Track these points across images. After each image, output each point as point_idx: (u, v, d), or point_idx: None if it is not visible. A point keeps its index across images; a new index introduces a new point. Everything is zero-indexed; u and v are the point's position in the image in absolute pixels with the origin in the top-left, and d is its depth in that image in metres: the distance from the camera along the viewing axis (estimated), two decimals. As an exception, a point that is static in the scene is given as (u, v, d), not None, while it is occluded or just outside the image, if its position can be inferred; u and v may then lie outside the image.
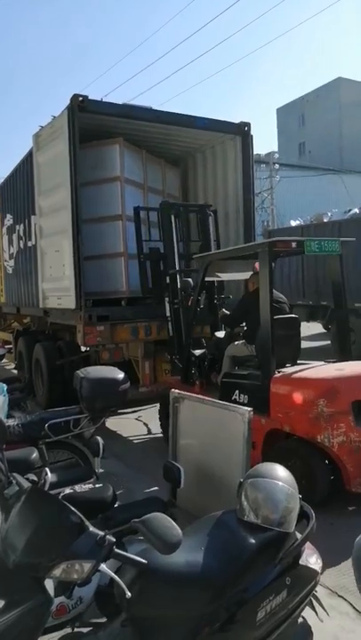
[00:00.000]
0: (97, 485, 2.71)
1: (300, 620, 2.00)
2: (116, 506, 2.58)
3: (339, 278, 4.62)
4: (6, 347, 10.31)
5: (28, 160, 7.14)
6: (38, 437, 3.32)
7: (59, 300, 6.26)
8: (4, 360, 10.61)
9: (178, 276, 5.69)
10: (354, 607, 2.69)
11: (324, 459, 3.78)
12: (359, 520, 3.58)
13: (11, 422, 3.47)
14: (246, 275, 5.20)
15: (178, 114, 6.46)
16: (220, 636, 1.64)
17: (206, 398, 3.49)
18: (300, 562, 1.91)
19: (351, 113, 40.46)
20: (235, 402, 4.08)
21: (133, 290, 6.41)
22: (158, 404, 5.63)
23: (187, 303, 5.60)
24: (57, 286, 6.30)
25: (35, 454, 2.94)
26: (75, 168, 5.56)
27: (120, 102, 6.40)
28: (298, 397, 3.82)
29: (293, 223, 13.60)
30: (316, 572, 1.98)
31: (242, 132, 6.79)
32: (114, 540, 1.49)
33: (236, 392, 4.36)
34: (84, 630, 1.91)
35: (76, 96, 5.50)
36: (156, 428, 6.01)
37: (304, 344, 4.98)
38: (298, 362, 4.48)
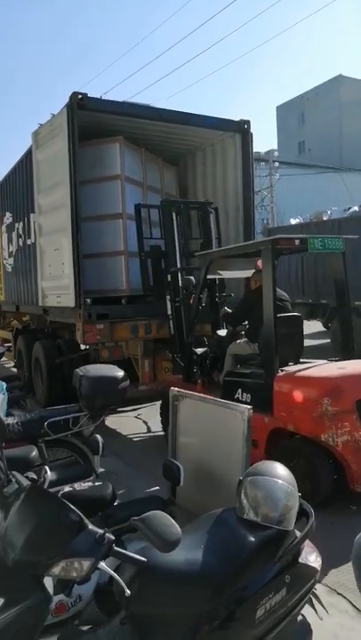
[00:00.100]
0: (96, 483, 2.71)
1: (299, 617, 2.00)
2: (115, 504, 2.58)
3: (342, 276, 4.57)
4: (5, 345, 10.30)
5: (27, 158, 7.13)
6: (38, 435, 3.32)
7: (58, 299, 6.26)
8: (3, 358, 10.59)
9: (179, 274, 5.67)
10: (353, 605, 2.69)
11: (327, 458, 3.76)
12: (352, 518, 3.58)
13: (10, 420, 3.46)
14: (248, 273, 5.18)
15: (178, 111, 6.44)
16: (219, 634, 1.64)
17: (206, 396, 3.48)
18: (300, 560, 1.91)
19: (351, 111, 40.40)
20: (237, 400, 4.06)
21: (134, 288, 6.41)
22: (159, 402, 5.63)
23: (188, 301, 5.58)
24: (56, 284, 6.29)
25: (34, 452, 2.94)
26: (74, 166, 5.55)
27: (119, 100, 6.40)
28: (302, 396, 3.80)
29: (293, 221, 13.59)
30: (316, 570, 1.98)
31: (241, 129, 6.78)
32: (113, 537, 1.48)
33: (239, 391, 4.34)
34: (84, 628, 1.91)
35: (75, 94, 5.49)
36: (156, 427, 6.01)
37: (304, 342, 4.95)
38: (300, 360, 4.46)
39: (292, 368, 4.18)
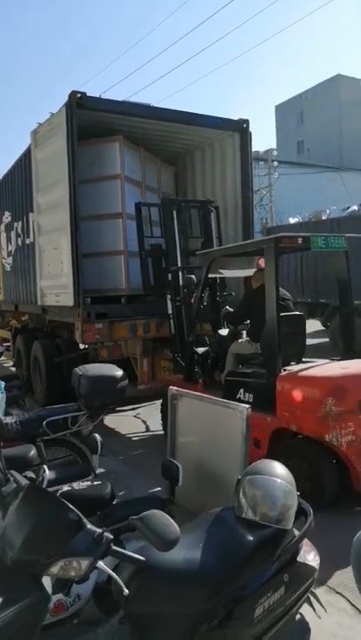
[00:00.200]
0: (95, 483, 2.71)
1: (297, 616, 2.00)
2: (114, 503, 2.58)
3: (344, 275, 4.53)
4: (4, 344, 10.28)
5: (26, 157, 7.12)
6: (36, 435, 3.32)
7: (57, 298, 6.25)
8: (2, 358, 10.59)
9: (180, 273, 5.66)
10: (352, 604, 2.69)
11: (331, 458, 3.71)
12: (355, 518, 3.57)
13: (9, 420, 3.46)
14: (250, 272, 5.16)
15: (177, 111, 6.44)
16: (217, 633, 1.64)
17: (204, 395, 3.48)
18: (298, 559, 1.91)
19: (351, 111, 40.42)
20: (239, 400, 4.02)
21: (134, 287, 6.40)
22: (160, 401, 5.60)
23: (189, 300, 5.54)
24: (55, 284, 6.29)
25: (33, 452, 2.93)
26: (73, 165, 5.54)
27: (118, 100, 6.38)
28: (305, 396, 3.76)
29: (292, 220, 13.60)
30: (314, 569, 1.98)
31: (240, 129, 6.77)
32: (112, 537, 1.48)
33: (241, 390, 4.31)
34: (82, 628, 1.91)
35: (74, 92, 5.48)
36: (155, 426, 6.01)
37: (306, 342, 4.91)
38: (302, 360, 4.42)
39: (294, 367, 4.14)
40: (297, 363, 4.32)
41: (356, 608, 2.66)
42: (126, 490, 4.01)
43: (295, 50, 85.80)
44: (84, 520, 1.50)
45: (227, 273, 5.72)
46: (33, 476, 2.52)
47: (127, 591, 1.44)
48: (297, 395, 3.81)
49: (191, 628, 1.61)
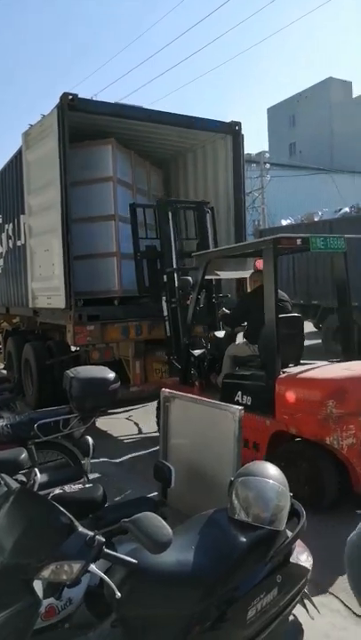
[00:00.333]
0: (87, 485, 2.70)
1: (290, 617, 2.00)
2: (106, 506, 2.57)
3: (343, 276, 4.51)
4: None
5: (17, 159, 7.09)
6: (27, 438, 3.30)
7: (48, 300, 6.22)
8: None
9: (175, 275, 5.64)
10: (345, 604, 2.69)
11: (332, 461, 3.66)
12: (354, 520, 3.56)
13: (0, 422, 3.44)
14: (246, 273, 5.14)
15: (169, 113, 6.44)
16: (210, 635, 1.64)
17: (197, 397, 3.48)
18: (291, 560, 1.91)
19: (341, 113, 40.75)
20: (237, 403, 3.98)
21: (126, 289, 6.39)
22: (150, 404, 5.60)
23: (185, 302, 5.52)
24: (46, 286, 6.26)
25: (24, 455, 2.91)
26: (64, 167, 5.53)
27: (112, 101, 6.39)
28: (306, 398, 3.72)
29: (284, 222, 13.65)
30: (307, 570, 1.98)
31: (233, 131, 6.79)
32: (103, 540, 1.47)
33: (239, 393, 4.25)
34: (74, 632, 1.90)
35: (65, 94, 5.47)
36: (147, 428, 6.00)
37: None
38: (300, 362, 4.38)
39: (293, 369, 4.09)
40: (295, 365, 4.28)
41: (350, 609, 2.66)
42: (118, 492, 3.99)
43: (292, 50, 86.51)
44: (76, 523, 1.49)
45: (223, 274, 5.71)
46: (24, 479, 2.51)
47: (119, 594, 1.44)
48: (297, 397, 3.77)
49: (184, 630, 1.60)
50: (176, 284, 5.58)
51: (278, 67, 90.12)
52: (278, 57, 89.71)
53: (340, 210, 12.38)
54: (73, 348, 6.54)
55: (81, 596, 2.06)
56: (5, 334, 9.32)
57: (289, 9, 67.06)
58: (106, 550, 1.47)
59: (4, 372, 9.08)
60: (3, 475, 1.81)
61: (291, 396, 3.80)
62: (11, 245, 7.90)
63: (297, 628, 2.04)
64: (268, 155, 27.18)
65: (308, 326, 11.75)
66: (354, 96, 43.18)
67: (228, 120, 6.78)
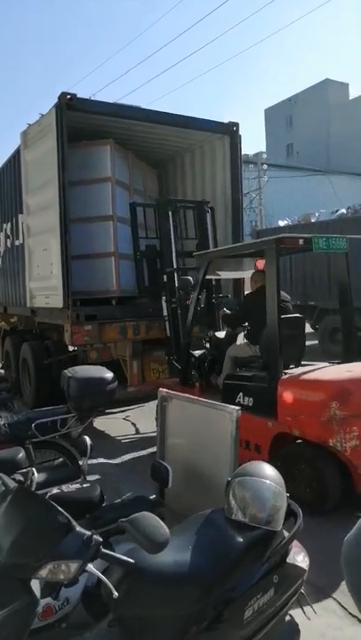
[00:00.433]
0: (84, 485, 2.69)
1: (287, 617, 2.00)
2: (103, 505, 2.57)
3: (345, 276, 4.48)
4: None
5: (15, 158, 7.08)
6: (25, 437, 3.29)
7: (46, 300, 6.22)
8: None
9: (175, 275, 5.62)
10: (341, 605, 2.70)
11: (335, 463, 3.62)
12: (352, 521, 3.55)
13: (-3, 422, 3.43)
14: (247, 273, 5.12)
15: (167, 113, 6.44)
16: (207, 635, 1.64)
17: (194, 397, 3.47)
18: (288, 560, 1.91)
19: (339, 114, 40.87)
20: (238, 404, 3.90)
21: (124, 289, 6.38)
22: (147, 404, 5.59)
23: (185, 302, 5.48)
24: (44, 285, 6.26)
25: (21, 454, 2.91)
26: (63, 166, 5.52)
27: (110, 101, 6.38)
28: (309, 400, 3.69)
29: (281, 223, 13.66)
30: (304, 570, 1.98)
31: (230, 131, 6.80)
32: (101, 539, 1.48)
33: (240, 394, 4.21)
34: (71, 632, 1.90)
35: (64, 94, 5.47)
36: (144, 428, 6.00)
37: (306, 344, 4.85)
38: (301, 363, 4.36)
39: (295, 371, 4.06)
40: (296, 366, 4.25)
41: (346, 609, 2.67)
42: (116, 492, 3.99)
43: (291, 51, 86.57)
44: (74, 523, 1.49)
45: (224, 274, 5.69)
46: (22, 478, 2.51)
47: (117, 594, 1.44)
48: (300, 399, 3.73)
49: (181, 630, 1.61)
50: (176, 284, 5.56)
51: (277, 67, 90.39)
52: (277, 58, 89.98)
53: (337, 211, 12.41)
54: (71, 348, 6.54)
55: (78, 596, 2.06)
56: (3, 334, 9.30)
57: (287, 10, 67.22)
58: (103, 550, 1.47)
59: (2, 371, 9.07)
60: (0, 474, 1.82)
61: (293, 397, 3.77)
62: (9, 245, 7.89)
63: (293, 629, 2.05)
64: (265, 155, 27.22)
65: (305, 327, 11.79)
66: (351, 98, 43.32)
67: (225, 120, 6.80)
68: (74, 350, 6.55)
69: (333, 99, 41.34)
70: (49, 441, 3.49)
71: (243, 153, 7.09)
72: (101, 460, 4.91)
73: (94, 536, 1.46)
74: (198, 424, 3.23)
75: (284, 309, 4.32)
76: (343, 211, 12.14)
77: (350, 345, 4.52)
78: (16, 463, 2.81)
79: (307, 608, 2.09)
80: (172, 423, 3.49)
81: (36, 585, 1.48)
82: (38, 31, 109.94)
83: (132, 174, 7.13)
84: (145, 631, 1.60)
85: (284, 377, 3.92)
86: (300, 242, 4.06)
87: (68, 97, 5.46)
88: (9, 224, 7.77)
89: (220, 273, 5.48)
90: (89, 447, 3.33)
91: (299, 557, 1.99)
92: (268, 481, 1.93)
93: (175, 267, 5.68)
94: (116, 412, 6.69)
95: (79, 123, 5.94)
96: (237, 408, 2.91)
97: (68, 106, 5.48)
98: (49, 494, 2.40)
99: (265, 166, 26.09)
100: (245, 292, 6.69)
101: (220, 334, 5.38)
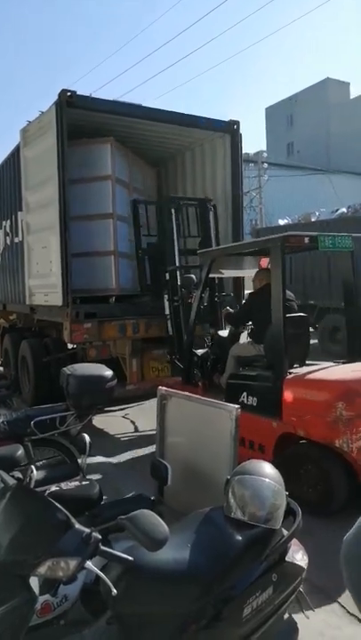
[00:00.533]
0: (83, 483, 2.69)
1: (285, 616, 2.00)
2: (102, 503, 2.57)
3: (350, 275, 4.44)
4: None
5: (15, 155, 7.07)
6: (24, 435, 3.29)
7: (45, 297, 6.21)
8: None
9: (178, 273, 5.59)
10: (340, 603, 2.70)
11: (341, 464, 3.58)
12: (351, 520, 3.54)
13: (-4, 419, 3.43)
14: (250, 272, 5.08)
15: (168, 111, 6.42)
16: (206, 633, 1.64)
17: (193, 395, 3.47)
18: (287, 558, 1.92)
19: (339, 114, 40.85)
20: (242, 404, 3.89)
21: (124, 288, 6.37)
22: (147, 402, 5.58)
23: (187, 300, 5.44)
24: (44, 283, 6.25)
25: (20, 452, 2.91)
26: (63, 164, 5.51)
27: (110, 99, 6.36)
28: (314, 400, 3.65)
29: (282, 222, 13.67)
30: (302, 569, 1.99)
31: (231, 130, 6.78)
32: (100, 537, 1.48)
33: (244, 394, 4.16)
34: (69, 629, 1.89)
35: (64, 91, 5.45)
36: (143, 426, 6.00)
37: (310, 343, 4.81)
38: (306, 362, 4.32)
39: (300, 370, 4.02)
40: (300, 365, 4.21)
41: (344, 608, 2.67)
42: (115, 490, 3.99)
43: (291, 50, 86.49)
44: (73, 520, 1.49)
45: (227, 273, 5.65)
46: (20, 476, 2.51)
47: (115, 591, 1.44)
48: (305, 399, 3.70)
49: (180, 628, 1.61)
50: (179, 282, 5.54)
51: (277, 66, 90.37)
52: (277, 56, 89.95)
53: (337, 210, 12.42)
54: (70, 346, 6.53)
55: (77, 593, 2.06)
56: (2, 331, 9.30)
57: (287, 9, 67.07)
58: (102, 547, 1.47)
59: (1, 368, 9.06)
60: (-1, 471, 1.81)
61: (299, 397, 3.74)
62: (8, 242, 7.88)
63: (292, 627, 2.05)
64: (265, 154, 27.20)
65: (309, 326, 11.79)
66: (351, 97, 43.30)
67: (226, 119, 6.78)
68: (73, 348, 6.54)
69: (334, 98, 41.31)
70: (48, 438, 3.48)
71: (243, 152, 7.08)
72: (100, 458, 4.91)
73: (93, 533, 1.46)
74: (198, 422, 3.23)
75: (288, 308, 4.27)
76: (343, 210, 12.15)
77: (354, 344, 4.47)
78: (15, 460, 2.81)
79: (305, 606, 2.09)
80: (171, 421, 3.49)
81: (34, 582, 1.48)
82: (38, 30, 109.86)
83: (132, 172, 7.13)
84: (143, 629, 1.60)
85: (289, 377, 3.87)
86: (306, 240, 4.01)
87: (69, 94, 5.44)
88: (8, 221, 7.76)
89: (222, 271, 5.44)
90: (88, 445, 3.33)
91: (298, 556, 1.99)
92: (267, 479, 1.93)
93: (178, 265, 5.66)
94: (115, 410, 6.69)
95: (79, 120, 5.93)
96: (237, 406, 2.91)
97: (69, 103, 5.46)
98: (48, 492, 2.39)
99: (265, 165, 26.10)
100: (245, 291, 6.69)
101: (223, 333, 5.34)
